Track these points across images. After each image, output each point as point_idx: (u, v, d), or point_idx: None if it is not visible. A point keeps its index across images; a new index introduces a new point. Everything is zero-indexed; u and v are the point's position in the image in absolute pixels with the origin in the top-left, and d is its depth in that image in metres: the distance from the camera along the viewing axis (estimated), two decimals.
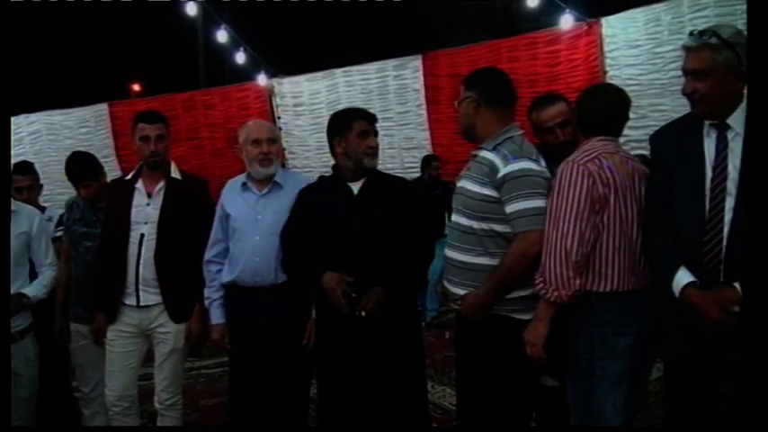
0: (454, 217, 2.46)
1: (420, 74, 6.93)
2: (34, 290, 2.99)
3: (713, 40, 1.99)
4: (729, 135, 2.04)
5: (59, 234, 3.42)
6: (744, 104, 2.02)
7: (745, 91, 2.01)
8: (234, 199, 2.89)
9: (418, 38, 12.60)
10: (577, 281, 2.19)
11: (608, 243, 2.23)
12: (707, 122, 2.08)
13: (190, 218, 2.94)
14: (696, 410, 2.13)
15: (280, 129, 7.45)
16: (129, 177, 3.06)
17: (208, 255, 2.92)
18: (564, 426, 2.51)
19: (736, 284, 1.95)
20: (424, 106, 6.94)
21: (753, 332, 1.83)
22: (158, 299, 2.92)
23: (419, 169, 6.33)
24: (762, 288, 1.80)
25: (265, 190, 2.85)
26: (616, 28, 5.90)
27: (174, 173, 3.01)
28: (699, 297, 1.99)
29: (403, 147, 7.03)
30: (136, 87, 18.02)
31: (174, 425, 3.01)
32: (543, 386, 2.50)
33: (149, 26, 13.92)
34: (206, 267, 2.92)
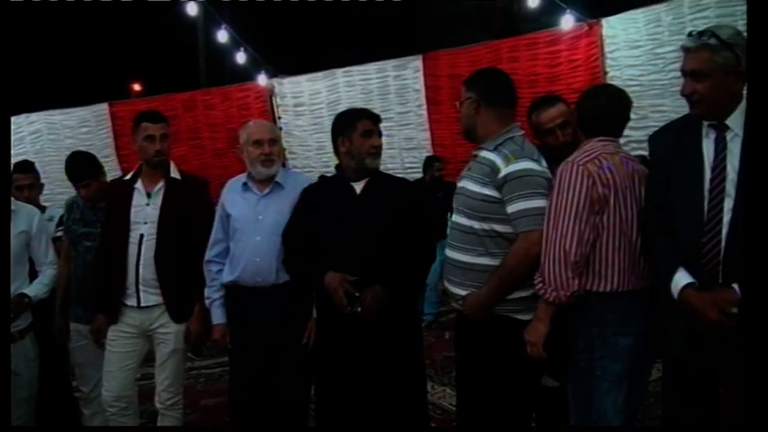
0: (455, 217, 2.46)
1: (420, 74, 6.93)
2: (35, 289, 2.99)
3: (712, 41, 1.99)
4: (728, 136, 2.04)
5: (60, 234, 3.43)
6: (743, 105, 2.02)
7: (745, 92, 2.01)
8: (234, 199, 2.89)
9: (418, 38, 12.60)
10: (576, 281, 2.19)
11: (608, 243, 2.23)
12: (705, 123, 2.08)
13: (189, 218, 2.94)
14: (695, 411, 2.13)
15: (280, 129, 7.46)
16: (128, 177, 3.05)
17: (208, 254, 2.92)
18: (564, 426, 2.51)
19: (735, 286, 1.95)
20: (425, 106, 6.94)
21: (752, 333, 1.83)
22: (159, 299, 2.92)
23: (420, 170, 6.31)
24: (761, 289, 1.80)
25: (266, 190, 2.85)
26: (617, 28, 5.90)
27: (174, 173, 3.00)
28: (697, 298, 1.99)
29: (403, 147, 7.03)
30: (136, 87, 18.02)
31: (175, 425, 3.01)
32: (543, 386, 2.51)
33: (150, 26, 13.92)
34: (206, 267, 2.92)
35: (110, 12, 11.42)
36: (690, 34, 2.06)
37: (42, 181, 3.83)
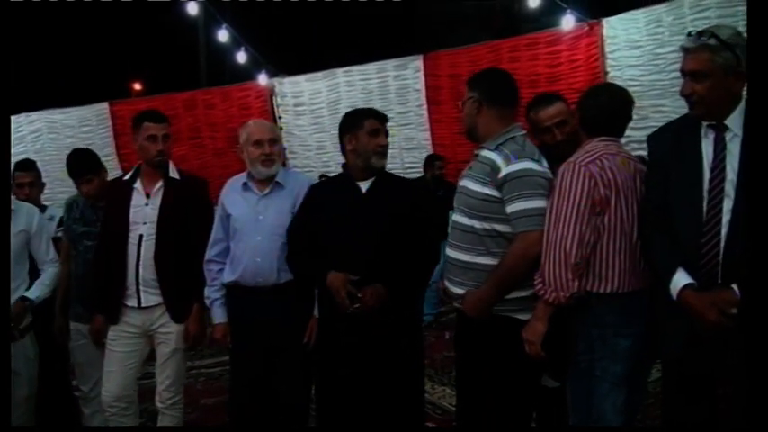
0: (455, 216, 2.46)
1: (421, 74, 6.94)
2: (37, 290, 3.00)
3: (712, 42, 1.99)
4: (727, 136, 2.03)
5: (60, 234, 3.43)
6: (742, 106, 2.02)
7: (744, 92, 2.00)
8: (234, 199, 2.89)
9: (418, 38, 12.60)
10: (576, 283, 2.19)
11: (608, 244, 2.23)
12: (705, 123, 2.07)
13: (189, 218, 2.94)
14: (694, 412, 2.13)
15: (280, 128, 7.46)
16: (127, 177, 3.05)
17: (208, 254, 2.92)
18: (564, 426, 2.51)
19: (734, 286, 1.94)
20: (425, 106, 6.95)
21: (751, 334, 1.83)
22: (159, 299, 2.91)
23: (420, 170, 6.31)
24: (760, 290, 1.80)
25: (267, 190, 2.85)
26: (617, 29, 5.90)
27: (173, 173, 3.00)
28: (696, 299, 1.99)
29: (404, 147, 7.04)
30: (137, 86, 18.04)
31: (175, 424, 3.01)
32: (544, 387, 2.50)
33: (150, 25, 13.92)
34: (207, 267, 2.92)
35: (110, 11, 11.42)
36: (689, 34, 2.06)
37: (43, 180, 3.83)
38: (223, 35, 8.01)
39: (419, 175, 6.28)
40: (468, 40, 7.44)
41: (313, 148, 7.58)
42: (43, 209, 3.50)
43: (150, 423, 3.49)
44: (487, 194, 2.32)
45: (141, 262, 2.88)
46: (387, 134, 2.72)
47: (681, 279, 2.03)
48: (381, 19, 12.98)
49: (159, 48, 15.19)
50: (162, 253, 2.89)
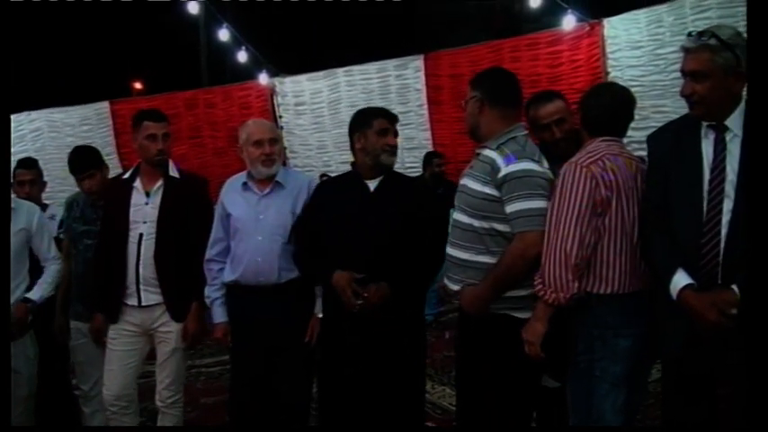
0: (456, 214, 2.46)
1: (422, 74, 6.93)
2: (39, 290, 3.00)
3: (712, 42, 1.98)
4: (727, 137, 2.03)
5: (62, 235, 3.42)
6: (742, 106, 2.01)
7: (744, 92, 2.00)
8: (234, 199, 2.88)
9: (418, 38, 12.60)
10: (576, 284, 2.18)
11: (609, 245, 2.23)
12: (705, 124, 2.07)
13: (189, 216, 2.94)
14: (694, 412, 2.12)
15: (281, 128, 7.46)
16: (126, 176, 3.05)
17: (209, 254, 2.92)
18: (564, 426, 2.51)
19: (734, 287, 1.94)
20: (426, 106, 6.94)
21: (751, 334, 1.83)
22: (159, 298, 2.91)
23: (420, 169, 6.29)
24: (760, 290, 1.80)
25: (267, 190, 2.85)
26: (618, 29, 5.89)
27: (173, 171, 3.00)
28: (696, 300, 1.99)
29: (404, 147, 7.01)
30: (138, 85, 18.04)
31: (175, 423, 3.01)
32: (544, 387, 2.50)
33: (151, 25, 13.93)
34: (207, 266, 2.92)
35: (111, 10, 11.42)
36: (690, 35, 2.05)
37: (44, 179, 3.83)
38: (224, 34, 8.02)
39: (419, 174, 6.27)
40: (469, 40, 7.44)
41: (314, 148, 7.58)
42: (44, 207, 3.50)
43: (150, 422, 3.48)
44: (487, 193, 2.32)
45: (141, 261, 2.88)
46: (396, 134, 2.74)
47: (681, 279, 2.03)
48: (381, 19, 12.98)
49: (160, 47, 15.20)
50: (162, 252, 2.88)
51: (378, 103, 6.78)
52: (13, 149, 6.00)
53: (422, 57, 6.96)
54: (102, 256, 3.01)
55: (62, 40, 14.40)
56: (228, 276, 2.85)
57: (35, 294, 2.98)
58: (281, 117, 7.67)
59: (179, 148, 7.30)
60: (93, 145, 3.76)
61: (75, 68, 14.87)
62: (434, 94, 6.89)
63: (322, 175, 6.91)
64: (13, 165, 3.47)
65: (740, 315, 1.91)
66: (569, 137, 2.56)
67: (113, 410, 2.95)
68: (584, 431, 2.34)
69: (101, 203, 3.14)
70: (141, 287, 2.90)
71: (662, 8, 5.62)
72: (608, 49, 5.93)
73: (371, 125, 2.67)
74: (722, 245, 1.99)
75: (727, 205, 1.99)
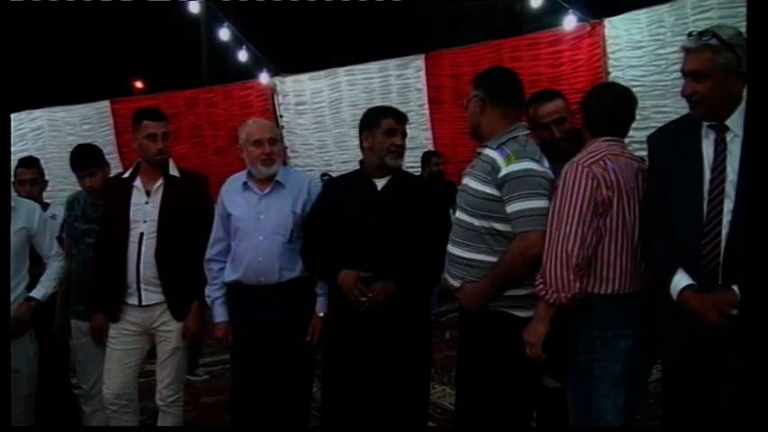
0: (457, 214, 2.47)
1: (422, 73, 6.93)
2: (42, 288, 3.00)
3: (713, 42, 1.98)
4: (728, 137, 2.03)
5: (64, 235, 3.42)
6: (743, 106, 2.01)
7: (745, 92, 2.00)
8: (235, 198, 2.88)
9: (419, 38, 12.59)
10: (577, 284, 2.18)
11: (610, 245, 2.23)
12: (705, 124, 2.07)
13: (189, 215, 2.94)
14: (694, 412, 2.12)
15: (282, 127, 7.46)
16: (126, 175, 3.05)
17: (209, 253, 2.91)
18: (564, 427, 2.51)
19: (735, 287, 1.94)
20: (427, 106, 6.94)
21: (752, 335, 1.82)
22: (160, 297, 2.91)
23: (419, 168, 6.29)
24: (760, 291, 1.80)
25: (267, 189, 2.85)
26: (619, 29, 5.89)
27: (173, 170, 3.00)
28: (696, 300, 1.98)
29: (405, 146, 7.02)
30: (138, 84, 18.04)
31: (175, 422, 3.01)
32: (545, 387, 2.50)
33: (152, 24, 13.93)
34: (207, 266, 2.92)
35: (112, 9, 11.41)
36: (690, 34, 2.05)
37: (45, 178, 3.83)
38: (225, 34, 8.01)
39: (418, 173, 6.26)
40: (470, 39, 7.43)
41: (314, 147, 7.57)
42: (45, 207, 3.49)
43: (150, 421, 3.49)
44: (487, 193, 2.33)
45: (142, 260, 2.88)
46: (404, 134, 2.74)
47: (681, 280, 2.03)
48: (382, 19, 12.97)
49: (161, 46, 15.20)
50: (163, 250, 2.88)
51: (378, 102, 6.78)
52: (13, 148, 6.02)
53: (423, 56, 6.96)
54: (102, 255, 3.00)
55: (63, 40, 14.40)
56: (229, 276, 2.85)
57: (38, 293, 2.99)
58: (281, 116, 7.67)
59: (180, 147, 7.30)
60: (94, 144, 3.77)
61: (77, 67, 14.87)
62: (435, 94, 6.89)
63: (323, 175, 6.91)
64: (14, 163, 3.47)
65: (740, 315, 1.91)
66: (569, 136, 2.56)
67: (113, 409, 2.95)
68: (584, 431, 2.34)
69: (101, 202, 3.14)
70: (142, 286, 2.90)
71: (663, 8, 5.61)
72: (609, 49, 5.93)
73: (379, 125, 2.68)
74: (723, 245, 1.99)
75: (728, 205, 1.99)
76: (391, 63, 7.13)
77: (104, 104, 7.97)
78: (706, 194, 2.03)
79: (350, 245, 2.63)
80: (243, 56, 8.04)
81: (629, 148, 2.39)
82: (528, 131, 2.45)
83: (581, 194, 2.19)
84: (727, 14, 5.02)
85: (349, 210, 2.68)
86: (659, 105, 5.44)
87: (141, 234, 2.89)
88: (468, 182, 2.42)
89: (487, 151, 2.39)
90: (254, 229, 2.80)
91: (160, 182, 2.95)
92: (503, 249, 2.32)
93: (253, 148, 2.82)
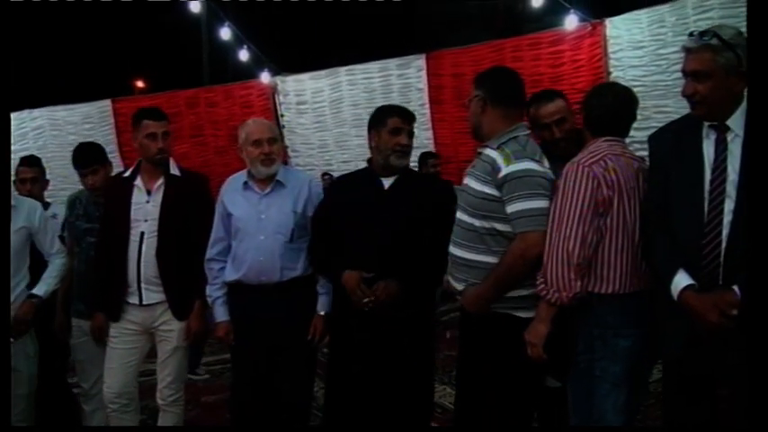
0: (458, 214, 2.47)
1: (423, 73, 6.92)
2: (45, 285, 3.00)
3: (714, 42, 1.98)
4: (729, 137, 2.02)
5: (65, 234, 3.43)
6: (743, 106, 2.00)
7: (746, 92, 1.99)
8: (235, 198, 2.88)
9: (419, 38, 12.58)
10: (578, 283, 2.18)
11: (611, 245, 2.23)
12: (706, 124, 2.07)
13: (190, 214, 2.94)
14: (694, 412, 2.13)
15: (283, 127, 7.46)
16: (127, 174, 3.05)
17: (209, 253, 2.92)
18: (565, 426, 2.51)
19: (735, 288, 1.94)
20: (427, 105, 6.92)
21: (752, 335, 1.82)
22: (161, 297, 2.92)
23: (417, 168, 6.27)
24: (761, 291, 1.79)
25: (268, 189, 2.85)
26: (620, 29, 5.88)
27: (173, 169, 3.00)
28: (697, 300, 1.98)
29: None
30: (139, 84, 18.06)
31: (176, 421, 3.01)
32: (546, 387, 2.50)
33: (153, 23, 13.94)
34: (208, 265, 2.92)
35: (113, 9, 11.42)
36: (691, 34, 2.04)
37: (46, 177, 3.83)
38: (226, 33, 8.02)
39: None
40: (471, 39, 7.42)
41: (315, 147, 7.57)
42: (46, 206, 3.50)
43: (151, 420, 3.49)
44: (487, 193, 2.33)
45: (143, 259, 2.89)
46: (411, 134, 2.74)
47: (682, 280, 2.02)
48: (382, 19, 12.97)
49: (162, 45, 15.21)
50: (164, 249, 2.89)
51: (379, 102, 6.78)
52: (14, 147, 6.02)
53: (424, 56, 6.95)
54: (102, 254, 3.01)
55: (64, 39, 14.41)
56: (230, 276, 2.85)
57: (40, 290, 2.99)
58: (282, 116, 7.66)
59: (181, 146, 7.31)
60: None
61: (78, 67, 14.89)
62: (436, 94, 6.89)
63: (324, 174, 6.91)
64: (15, 162, 3.48)
65: (741, 315, 1.91)
66: (569, 136, 2.56)
67: (114, 408, 2.96)
68: (584, 431, 2.34)
69: (102, 201, 3.14)
70: (142, 286, 2.90)
71: (664, 8, 5.61)
72: (610, 49, 5.92)
73: (385, 123, 2.68)
74: (723, 245, 1.98)
75: (729, 205, 1.99)
76: (392, 63, 7.12)
77: (105, 104, 7.97)
78: (707, 194, 2.02)
79: (354, 243, 2.64)
80: (244, 55, 8.04)
81: (630, 148, 2.39)
82: (529, 131, 2.45)
83: (582, 194, 2.19)
84: (728, 14, 5.02)
85: (354, 208, 2.68)
86: (660, 105, 5.44)
87: (142, 233, 2.89)
88: (469, 182, 2.42)
89: (488, 151, 2.39)
90: (256, 228, 2.80)
91: (161, 181, 2.95)
92: (503, 250, 2.32)
93: (252, 147, 2.82)
